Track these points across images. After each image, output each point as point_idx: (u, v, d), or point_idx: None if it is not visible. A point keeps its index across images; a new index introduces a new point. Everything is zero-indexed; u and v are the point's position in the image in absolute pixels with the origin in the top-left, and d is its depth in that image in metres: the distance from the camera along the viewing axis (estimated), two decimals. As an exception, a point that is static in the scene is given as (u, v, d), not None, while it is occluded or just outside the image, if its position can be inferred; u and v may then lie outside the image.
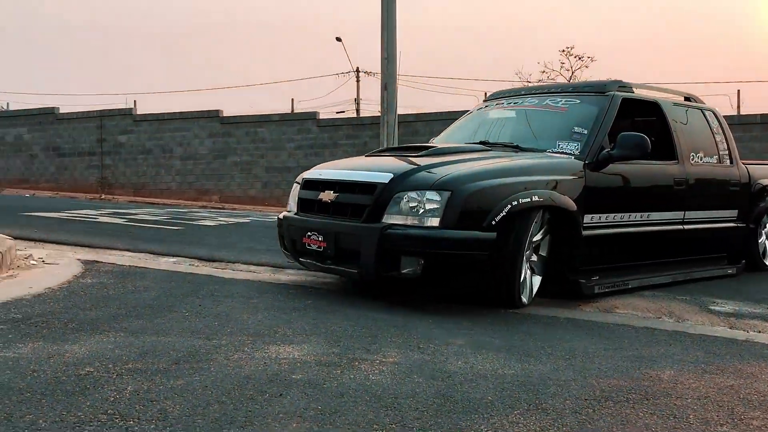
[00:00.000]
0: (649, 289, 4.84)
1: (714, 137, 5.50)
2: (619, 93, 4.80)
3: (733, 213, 5.56)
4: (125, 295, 3.86)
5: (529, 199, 3.86)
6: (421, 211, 3.73)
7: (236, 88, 44.16)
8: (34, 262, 4.75)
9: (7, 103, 29.77)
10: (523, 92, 5.46)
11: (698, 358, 3.09)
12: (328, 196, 4.13)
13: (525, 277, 4.02)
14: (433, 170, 3.91)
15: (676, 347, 3.28)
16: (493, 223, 3.73)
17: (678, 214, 5.01)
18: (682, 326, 3.78)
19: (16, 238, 5.44)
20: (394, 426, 2.06)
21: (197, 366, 2.55)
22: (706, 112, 5.57)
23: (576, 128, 4.59)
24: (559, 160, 4.36)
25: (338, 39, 28.75)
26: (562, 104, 4.88)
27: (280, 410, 2.14)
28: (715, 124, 5.57)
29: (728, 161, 5.54)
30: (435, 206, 3.69)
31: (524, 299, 3.99)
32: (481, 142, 4.77)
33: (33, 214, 9.19)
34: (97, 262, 5.07)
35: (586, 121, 4.61)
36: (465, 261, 3.71)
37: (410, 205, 3.75)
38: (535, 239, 4.09)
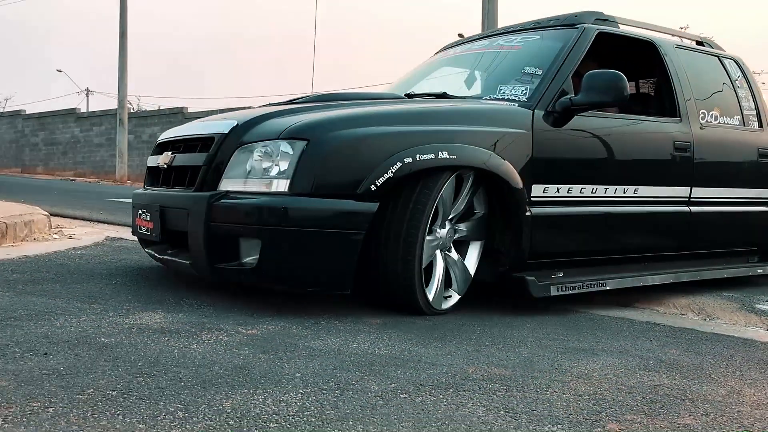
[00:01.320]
0: (641, 292, 3.55)
1: (736, 92, 4.14)
2: (594, 26, 3.52)
3: (765, 193, 4.19)
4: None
5: (432, 156, 2.64)
6: (266, 170, 2.56)
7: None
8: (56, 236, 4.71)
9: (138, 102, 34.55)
10: (477, 37, 4.22)
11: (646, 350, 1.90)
12: (165, 159, 3.01)
13: (437, 271, 2.81)
14: (290, 115, 2.74)
15: (631, 341, 2.49)
16: (373, 188, 2.53)
17: (681, 191, 3.68)
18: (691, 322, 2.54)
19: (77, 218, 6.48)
20: None
21: None
22: (726, 61, 4.21)
23: (527, 68, 3.34)
24: (494, 107, 3.12)
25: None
26: (517, 42, 3.64)
27: None
28: (737, 75, 4.21)
29: (756, 123, 4.17)
30: (284, 163, 2.52)
31: (433, 300, 2.77)
32: (406, 95, 3.57)
33: (121, 200, 9.19)
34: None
35: (543, 60, 3.35)
36: (327, 244, 2.51)
37: (253, 163, 2.59)
38: (451, 215, 2.88)
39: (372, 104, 2.93)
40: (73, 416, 1.45)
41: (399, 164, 2.56)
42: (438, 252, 2.84)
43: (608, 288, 3.33)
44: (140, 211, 3.03)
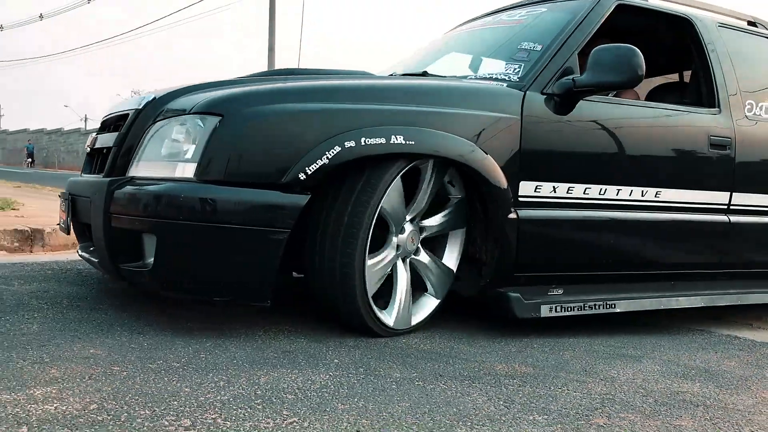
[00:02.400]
0: (660, 317, 2.94)
1: (795, 82, 3.47)
2: (613, -3, 2.94)
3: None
4: None
5: (381, 140, 2.15)
6: (174, 153, 2.12)
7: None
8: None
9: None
10: (486, 14, 3.68)
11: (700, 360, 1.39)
12: (90, 141, 2.62)
13: (399, 287, 2.32)
14: (217, 88, 2.28)
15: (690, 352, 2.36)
16: (302, 177, 2.06)
17: (718, 196, 3.05)
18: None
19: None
20: None
21: None
22: (783, 45, 3.55)
23: (525, 44, 2.80)
24: (473, 86, 2.60)
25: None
26: (520, 16, 3.10)
27: None
28: (797, 62, 3.53)
29: (818, 120, 3.48)
30: (192, 144, 2.07)
31: (389, 320, 2.29)
32: (404, 75, 3.06)
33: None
34: None
35: (544, 34, 2.80)
36: (239, 245, 2.04)
37: (162, 143, 2.16)
38: (411, 215, 2.37)
39: (324, 79, 2.45)
40: None
41: (338, 149, 2.08)
42: (399, 262, 2.35)
43: (618, 310, 2.76)
44: (60, 201, 2.65)
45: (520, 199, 2.51)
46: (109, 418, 1.41)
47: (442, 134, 2.29)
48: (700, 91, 3.14)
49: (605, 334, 2.72)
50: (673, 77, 3.96)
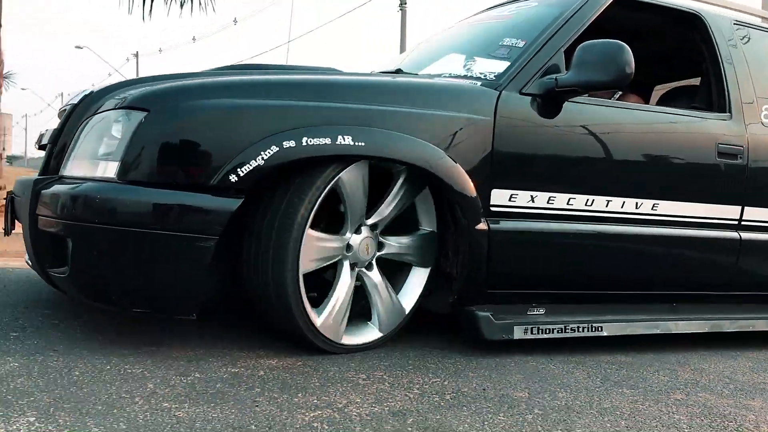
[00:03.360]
0: (652, 342, 2.66)
1: (821, 87, 3.14)
2: (611, -10, 2.69)
3: None
4: None
5: (326, 140, 1.95)
6: (99, 150, 1.97)
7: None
8: None
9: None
10: (482, 10, 3.45)
11: None
12: (38, 137, 2.50)
13: (337, 289, 2.12)
14: (152, 83, 2.12)
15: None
16: (234, 179, 1.87)
17: (727, 210, 2.76)
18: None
19: None
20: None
21: None
22: (809, 46, 3.22)
23: (508, 40, 2.57)
24: (441, 84, 2.38)
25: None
26: (510, 11, 2.87)
27: None
28: (824, 64, 3.20)
29: None
30: (115, 141, 1.91)
31: (322, 325, 2.07)
32: (397, 70, 2.86)
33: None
34: None
35: (530, 30, 2.57)
36: (161, 252, 1.86)
37: (91, 140, 2.01)
38: (373, 220, 2.17)
39: (278, 74, 2.27)
40: None
41: (275, 149, 1.89)
42: (346, 265, 2.14)
43: (605, 334, 2.50)
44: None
45: (493, 208, 2.28)
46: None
47: (398, 135, 2.08)
48: (711, 95, 2.86)
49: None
50: (693, 81, 3.68)
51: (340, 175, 2.00)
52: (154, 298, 1.91)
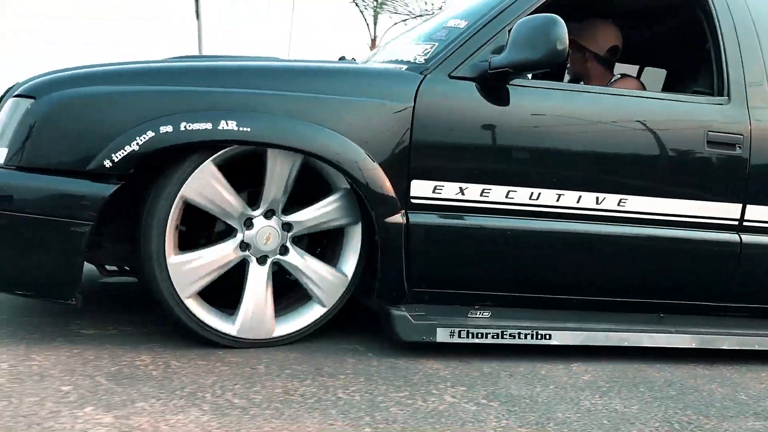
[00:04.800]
0: (625, 355, 2.35)
1: None
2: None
3: None
4: None
5: (207, 125, 1.90)
6: (-2, 137, 2.03)
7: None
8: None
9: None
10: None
11: None
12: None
13: (247, 290, 2.05)
14: (73, 71, 2.14)
15: None
16: (108, 164, 1.86)
17: (724, 209, 2.39)
18: None
19: None
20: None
21: None
22: None
23: (452, 21, 2.39)
24: (353, 68, 2.26)
25: None
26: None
27: None
28: None
29: None
30: (7, 128, 1.97)
31: (231, 328, 2.03)
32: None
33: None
34: None
35: (478, 9, 2.37)
36: (38, 236, 1.87)
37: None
38: (259, 210, 2.08)
39: (184, 61, 2.24)
40: None
41: (151, 134, 1.87)
42: (254, 263, 2.07)
43: (554, 342, 2.24)
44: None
45: (414, 200, 2.12)
46: None
47: (291, 121, 1.98)
48: (712, 76, 2.50)
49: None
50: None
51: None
52: (34, 283, 1.94)
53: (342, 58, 2.67)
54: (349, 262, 2.19)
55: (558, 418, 1.74)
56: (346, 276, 2.16)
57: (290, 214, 2.11)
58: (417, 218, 2.12)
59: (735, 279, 2.43)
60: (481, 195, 2.17)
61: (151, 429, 1.45)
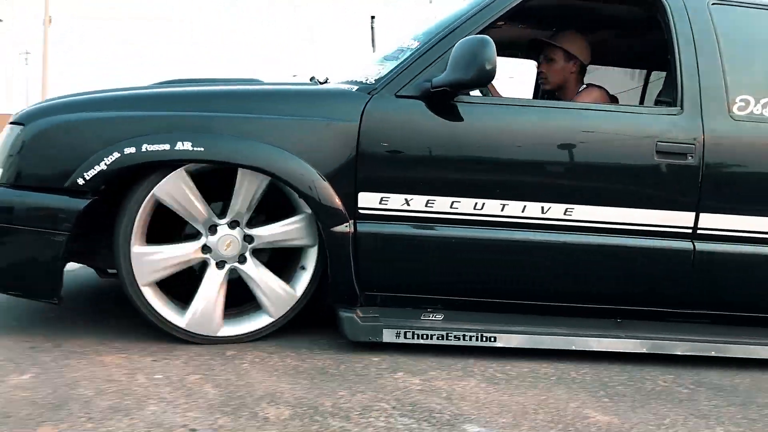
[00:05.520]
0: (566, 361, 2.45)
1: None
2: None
3: None
4: None
5: (165, 146, 2.14)
6: (-3, 158, 2.35)
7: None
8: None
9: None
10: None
11: None
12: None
13: (201, 287, 2.29)
14: (57, 100, 2.44)
15: None
16: (81, 182, 2.13)
17: (675, 218, 2.44)
18: None
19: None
20: None
21: None
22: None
23: (408, 42, 2.54)
24: (304, 90, 2.43)
25: None
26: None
27: None
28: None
29: None
30: (4, 150, 2.28)
31: (180, 320, 2.27)
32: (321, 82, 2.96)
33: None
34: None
35: (432, 29, 2.52)
36: (25, 245, 2.17)
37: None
38: (225, 219, 2.30)
39: (156, 90, 2.49)
40: None
41: (116, 155, 2.13)
42: (213, 265, 2.30)
43: (498, 345, 2.37)
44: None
45: (361, 211, 2.30)
46: None
47: (238, 140, 2.20)
48: (673, 87, 2.54)
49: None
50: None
51: (154, 190, 2.18)
52: (22, 285, 2.25)
53: (312, 79, 2.86)
54: (302, 280, 2.38)
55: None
56: (296, 294, 2.35)
57: (253, 227, 2.33)
58: (364, 227, 2.29)
59: (690, 285, 2.47)
60: (426, 205, 2.32)
61: (447, 388, 2.00)
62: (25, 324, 2.42)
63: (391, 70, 2.37)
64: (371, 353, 2.32)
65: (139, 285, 2.20)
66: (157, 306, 2.23)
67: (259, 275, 2.33)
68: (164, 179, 2.17)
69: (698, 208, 2.44)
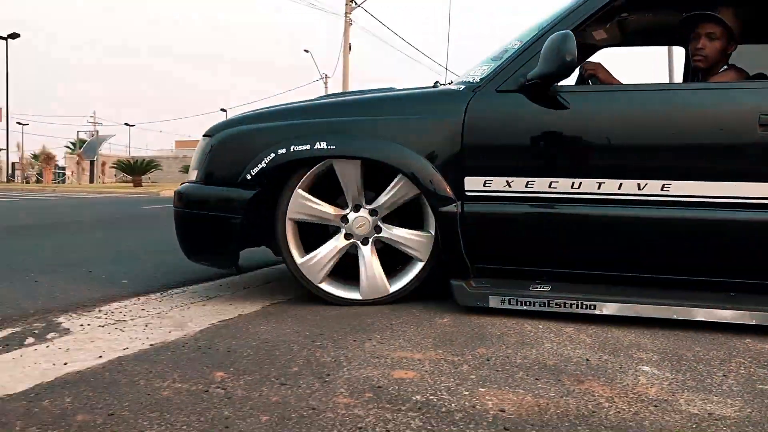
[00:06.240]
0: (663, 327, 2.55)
1: None
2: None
3: None
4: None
5: (307, 146, 2.71)
6: (194, 163, 3.09)
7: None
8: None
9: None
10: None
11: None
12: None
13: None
14: (237, 115, 3.14)
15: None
16: (248, 177, 2.78)
17: (778, 189, 2.44)
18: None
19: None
20: None
21: None
22: None
23: (513, 42, 2.84)
24: (415, 93, 2.83)
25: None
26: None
27: None
28: None
29: None
30: (199, 156, 3.01)
31: (355, 294, 2.83)
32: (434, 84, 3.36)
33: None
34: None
35: (532, 30, 2.80)
36: (212, 226, 2.86)
37: (195, 156, 3.14)
38: (370, 206, 2.80)
39: (308, 101, 3.07)
40: None
41: (272, 155, 2.75)
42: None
43: (604, 312, 2.56)
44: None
45: (468, 193, 2.66)
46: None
47: (363, 139, 2.69)
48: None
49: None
50: None
51: (333, 162, 2.74)
52: (209, 256, 2.95)
53: (436, 83, 3.26)
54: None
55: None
56: (431, 233, 2.76)
57: (371, 203, 2.81)
58: (470, 208, 2.65)
59: None
60: (525, 186, 2.61)
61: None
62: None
63: (494, 69, 2.71)
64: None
65: (316, 284, 2.82)
66: (335, 293, 2.83)
67: (396, 234, 2.80)
68: (337, 162, 2.73)
69: (811, 179, 2.41)
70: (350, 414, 1.59)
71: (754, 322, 2.46)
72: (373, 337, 2.31)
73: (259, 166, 2.76)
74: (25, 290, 3.24)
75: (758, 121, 2.44)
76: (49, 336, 2.32)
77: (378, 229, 2.82)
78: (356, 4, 25.93)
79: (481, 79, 2.72)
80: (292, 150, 2.72)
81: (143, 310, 2.77)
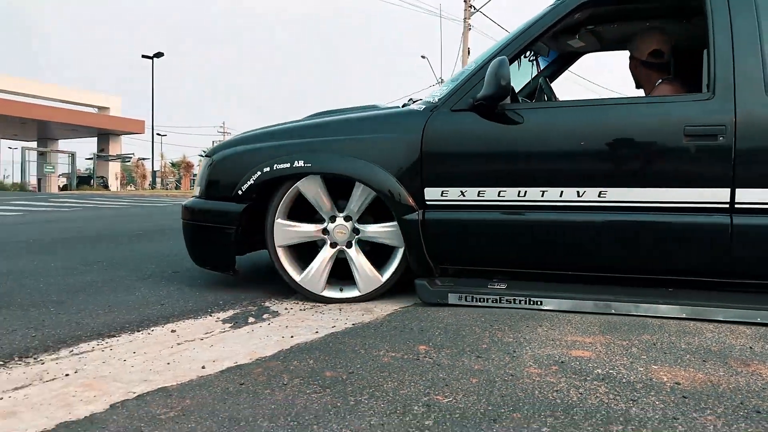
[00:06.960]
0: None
1: None
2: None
3: None
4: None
5: (287, 164, 3.10)
6: (197, 181, 3.53)
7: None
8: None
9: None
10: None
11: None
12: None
13: (316, 258, 3.19)
14: (233, 137, 3.55)
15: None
16: (240, 192, 3.19)
17: (714, 194, 2.66)
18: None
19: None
20: None
21: None
22: None
23: (471, 65, 3.14)
24: (382, 114, 3.16)
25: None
26: (514, 32, 3.31)
27: None
28: None
29: None
30: (202, 174, 3.44)
31: (302, 279, 3.19)
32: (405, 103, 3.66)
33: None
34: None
35: (485, 54, 3.09)
36: (209, 235, 3.30)
37: (198, 174, 3.58)
38: (343, 214, 3.17)
39: (293, 122, 3.44)
40: None
41: (259, 173, 3.15)
42: (328, 244, 3.18)
43: (548, 308, 2.85)
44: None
45: (428, 202, 2.98)
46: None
47: (336, 156, 3.05)
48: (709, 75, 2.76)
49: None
50: None
51: (297, 184, 3.11)
52: (212, 262, 3.39)
53: (410, 100, 3.57)
54: (389, 271, 3.15)
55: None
56: (381, 279, 3.12)
57: (362, 224, 3.17)
58: (430, 215, 2.97)
59: (727, 255, 2.66)
60: (478, 195, 2.91)
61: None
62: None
63: (450, 90, 3.01)
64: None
65: (276, 246, 3.18)
66: (287, 267, 3.19)
67: (357, 258, 3.15)
68: (304, 180, 3.10)
69: (735, 185, 2.63)
70: (544, 381, 1.93)
71: (684, 315, 2.70)
72: (543, 324, 2.62)
73: (248, 182, 3.17)
74: (235, 280, 3.73)
75: (683, 132, 2.66)
76: (264, 317, 2.86)
77: (357, 231, 3.17)
78: (475, 9, 26.34)
79: (438, 100, 3.03)
80: (275, 168, 3.11)
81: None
